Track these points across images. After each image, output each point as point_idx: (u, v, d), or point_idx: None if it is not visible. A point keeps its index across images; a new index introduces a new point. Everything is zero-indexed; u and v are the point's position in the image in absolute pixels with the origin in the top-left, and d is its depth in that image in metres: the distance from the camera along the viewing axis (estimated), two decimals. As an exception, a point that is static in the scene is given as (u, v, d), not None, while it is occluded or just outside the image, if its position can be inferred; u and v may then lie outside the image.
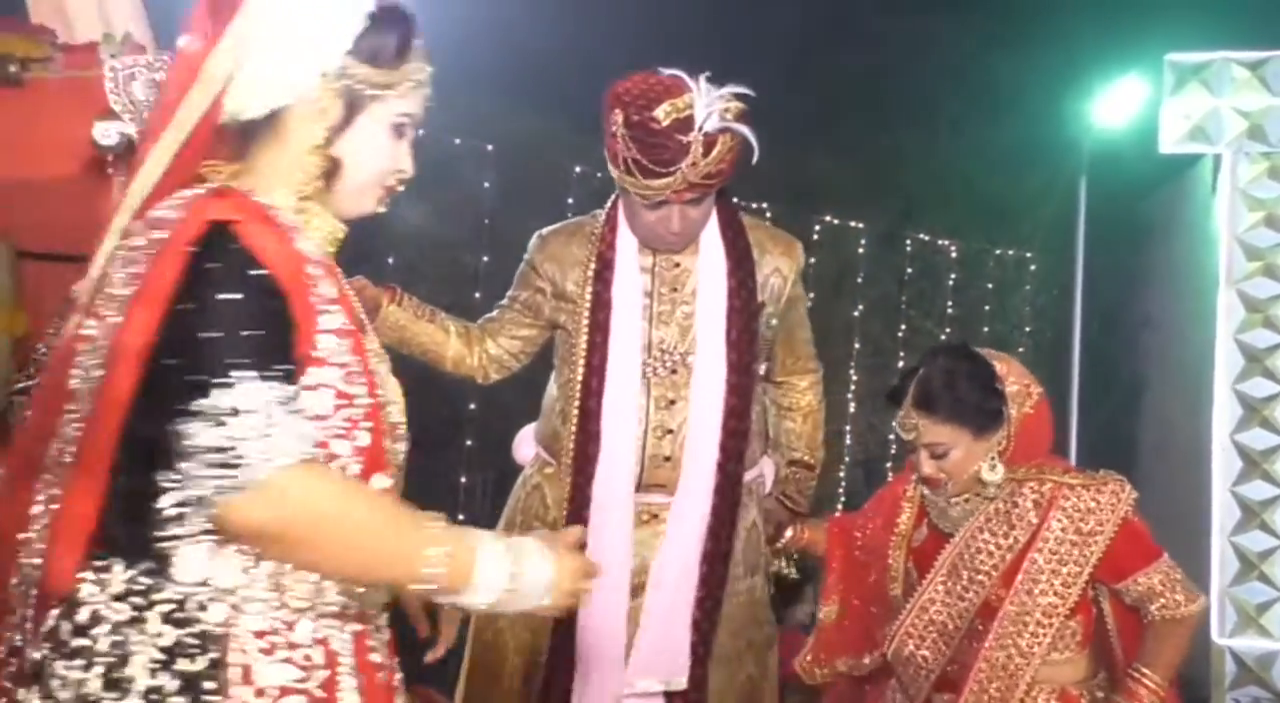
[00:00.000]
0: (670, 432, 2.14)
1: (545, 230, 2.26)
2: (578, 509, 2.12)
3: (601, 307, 2.13)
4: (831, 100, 5.74)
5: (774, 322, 2.23)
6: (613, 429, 2.12)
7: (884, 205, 5.71)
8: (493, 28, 4.53)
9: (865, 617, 2.26)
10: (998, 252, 6.21)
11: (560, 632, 2.12)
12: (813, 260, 5.40)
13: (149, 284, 1.07)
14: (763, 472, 2.36)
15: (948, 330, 6.08)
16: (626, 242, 2.15)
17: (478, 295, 4.11)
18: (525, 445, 2.35)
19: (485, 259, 4.31)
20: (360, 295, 1.64)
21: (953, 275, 6.05)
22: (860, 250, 5.58)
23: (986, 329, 6.20)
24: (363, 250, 3.15)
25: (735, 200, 2.19)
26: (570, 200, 4.43)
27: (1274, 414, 5.09)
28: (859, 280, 5.49)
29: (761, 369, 2.27)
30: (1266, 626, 5.00)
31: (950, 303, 6.09)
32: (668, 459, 2.14)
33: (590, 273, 2.14)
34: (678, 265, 2.16)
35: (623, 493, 2.13)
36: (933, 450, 2.05)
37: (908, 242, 5.84)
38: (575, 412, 2.13)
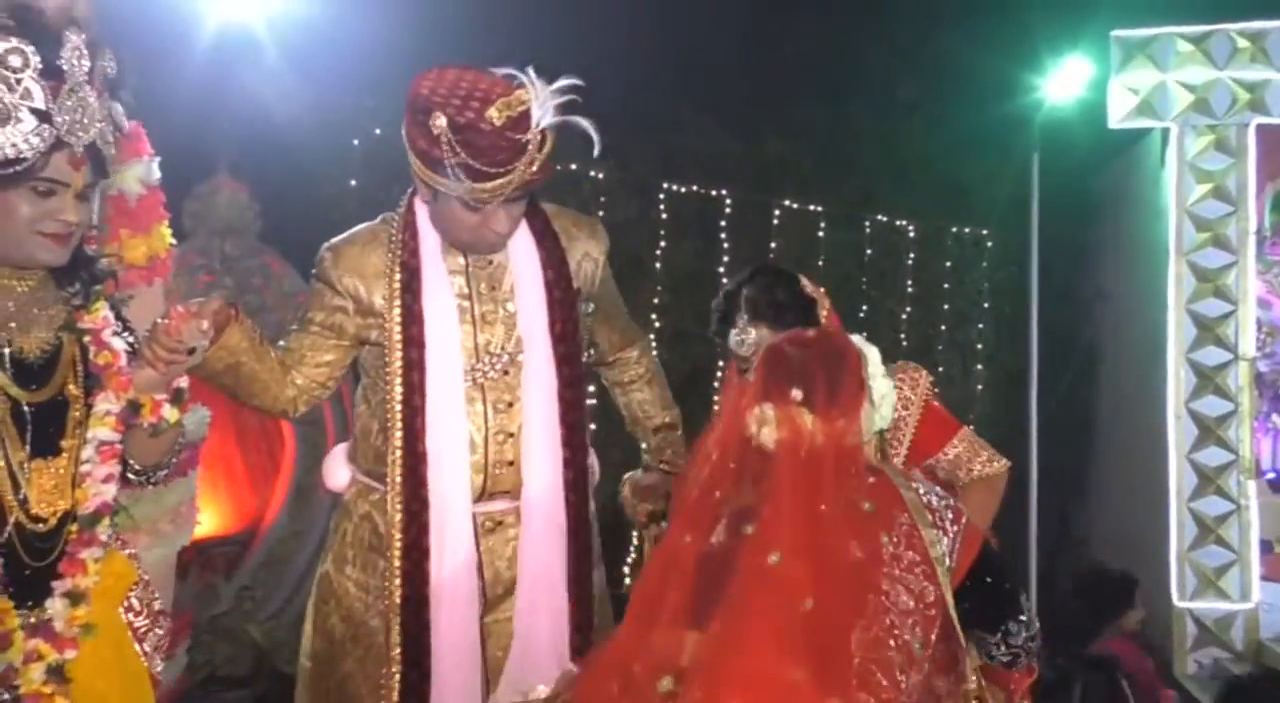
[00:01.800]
0: (511, 435, 2.07)
1: (334, 242, 2.13)
2: (413, 534, 2.02)
3: (414, 320, 2.02)
4: (785, 85, 5.77)
5: (590, 307, 2.21)
6: (441, 445, 2.02)
7: (843, 188, 5.75)
8: (450, 30, 4.51)
9: None
10: (955, 230, 6.29)
11: (408, 654, 2.01)
12: (774, 245, 5.44)
13: None
14: (593, 459, 2.31)
15: (908, 309, 6.16)
16: (430, 246, 2.05)
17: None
18: (338, 470, 2.22)
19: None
20: (202, 311, 1.64)
21: (911, 255, 6.12)
22: (820, 234, 5.63)
23: (946, 306, 6.29)
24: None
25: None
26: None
27: (1227, 381, 5.22)
28: (820, 263, 5.53)
29: (588, 356, 2.25)
30: (1224, 588, 5.13)
31: (910, 282, 6.16)
32: (510, 464, 2.07)
33: (396, 284, 2.02)
34: (491, 263, 2.08)
35: (460, 509, 2.04)
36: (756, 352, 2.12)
37: (867, 223, 5.89)
38: (399, 432, 2.02)
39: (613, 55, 5.27)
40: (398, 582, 2.00)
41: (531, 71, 1.87)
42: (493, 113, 1.82)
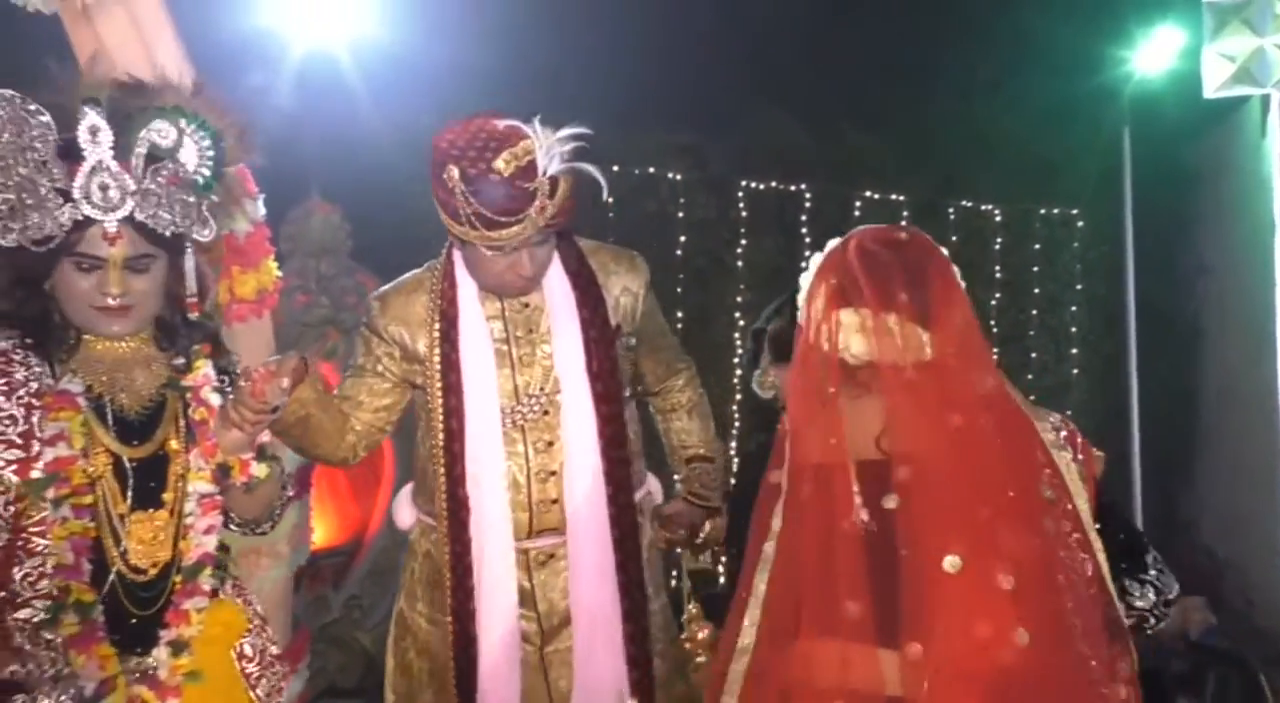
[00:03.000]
0: (553, 473, 2.10)
1: (382, 290, 2.21)
2: (459, 574, 2.09)
3: (451, 368, 2.07)
4: (859, 73, 5.69)
5: (632, 341, 2.21)
6: (481, 491, 2.07)
7: (923, 175, 5.66)
8: (520, 34, 4.57)
9: None
10: (1043, 211, 6.13)
11: (461, 689, 2.10)
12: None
13: None
14: (649, 488, 2.32)
15: (997, 295, 6.03)
16: (467, 293, 2.10)
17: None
18: (405, 510, 2.29)
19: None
20: (282, 370, 1.68)
21: (999, 240, 5.99)
22: (903, 223, 5.55)
23: (1037, 290, 6.14)
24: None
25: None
26: (610, 199, 4.47)
27: (1340, 356, 4.99)
28: (904, 253, 5.44)
29: (629, 390, 2.22)
30: (1342, 571, 4.92)
31: (998, 268, 6.03)
32: (555, 502, 2.10)
33: (436, 334, 2.09)
34: (527, 306, 2.12)
35: (500, 552, 2.08)
36: None
37: (950, 210, 5.79)
38: (442, 477, 2.09)
39: (686, 57, 5.28)
40: (449, 620, 2.09)
41: (537, 122, 1.91)
42: (499, 163, 1.87)
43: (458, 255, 2.12)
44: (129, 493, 1.69)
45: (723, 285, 5.13)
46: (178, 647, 1.68)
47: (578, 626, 2.10)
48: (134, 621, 1.68)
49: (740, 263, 5.11)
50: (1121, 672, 1.47)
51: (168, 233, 1.67)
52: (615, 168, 4.56)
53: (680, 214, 4.86)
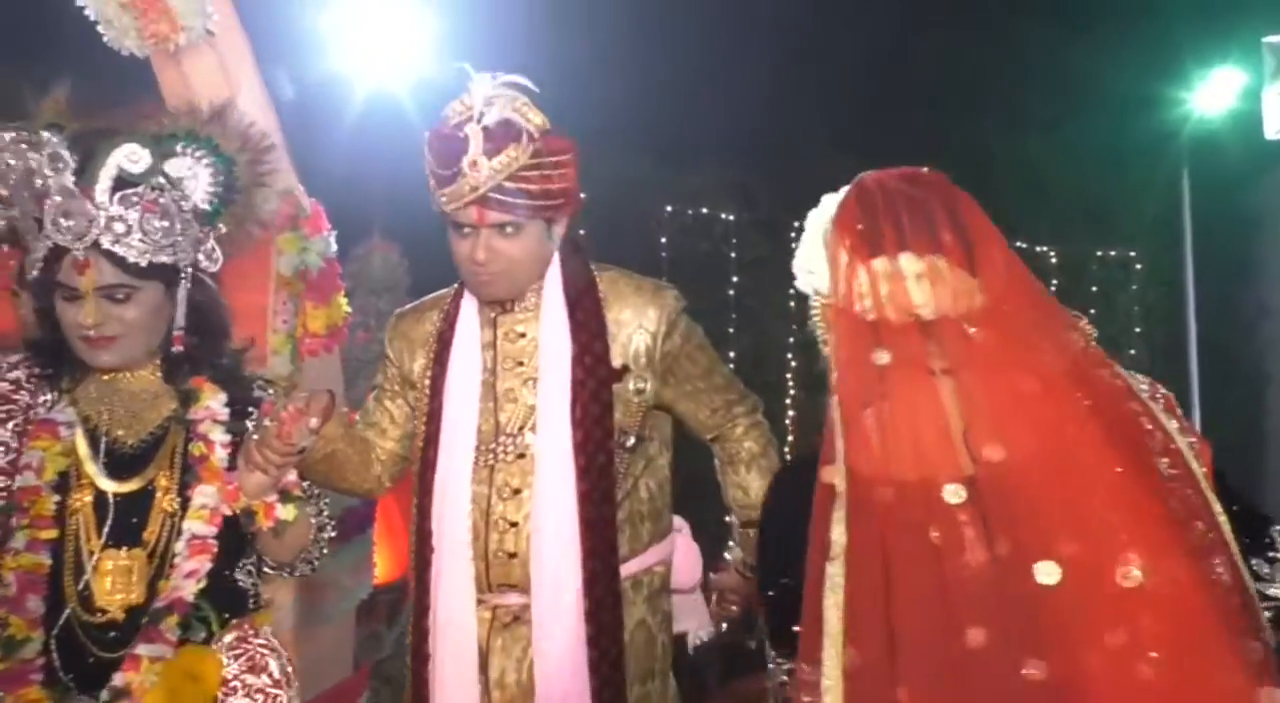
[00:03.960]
0: (514, 525, 1.87)
1: (402, 308, 2.06)
2: (419, 618, 1.92)
3: (436, 393, 1.91)
4: (914, 113, 5.71)
5: (642, 385, 1.90)
6: (444, 530, 1.88)
7: (978, 215, 5.63)
8: (572, 81, 4.65)
9: None
10: (1100, 253, 6.07)
11: None
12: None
13: None
14: (662, 559, 2.00)
15: (1054, 336, 5.95)
16: (468, 316, 1.92)
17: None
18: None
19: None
20: (312, 409, 1.56)
21: (1054, 282, 5.92)
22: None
23: (1095, 333, 6.04)
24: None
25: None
26: (664, 239, 4.50)
27: None
28: (957, 294, 5.42)
29: (631, 438, 1.95)
30: None
31: (1055, 309, 5.95)
32: (513, 556, 1.87)
33: (431, 355, 1.93)
34: (523, 336, 1.91)
35: (461, 597, 1.88)
36: None
37: (1006, 251, 5.75)
38: (414, 510, 1.94)
39: (738, 98, 5.34)
40: (409, 659, 1.94)
41: (489, 76, 1.74)
42: (448, 110, 1.73)
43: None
44: (105, 529, 1.59)
45: (775, 326, 5.12)
46: (117, 694, 1.54)
47: (539, 700, 1.87)
48: (91, 660, 1.57)
49: (792, 303, 5.09)
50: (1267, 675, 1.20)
51: (141, 262, 1.57)
52: (669, 208, 4.61)
53: (733, 254, 4.87)
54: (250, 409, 1.69)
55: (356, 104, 4.11)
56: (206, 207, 1.62)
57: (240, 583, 1.69)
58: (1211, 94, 5.38)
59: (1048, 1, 5.56)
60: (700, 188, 4.84)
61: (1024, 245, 5.86)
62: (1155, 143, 5.61)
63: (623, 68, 4.72)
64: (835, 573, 1.26)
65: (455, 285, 1.97)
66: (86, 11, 2.43)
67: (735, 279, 4.69)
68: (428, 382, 1.91)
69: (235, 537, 1.66)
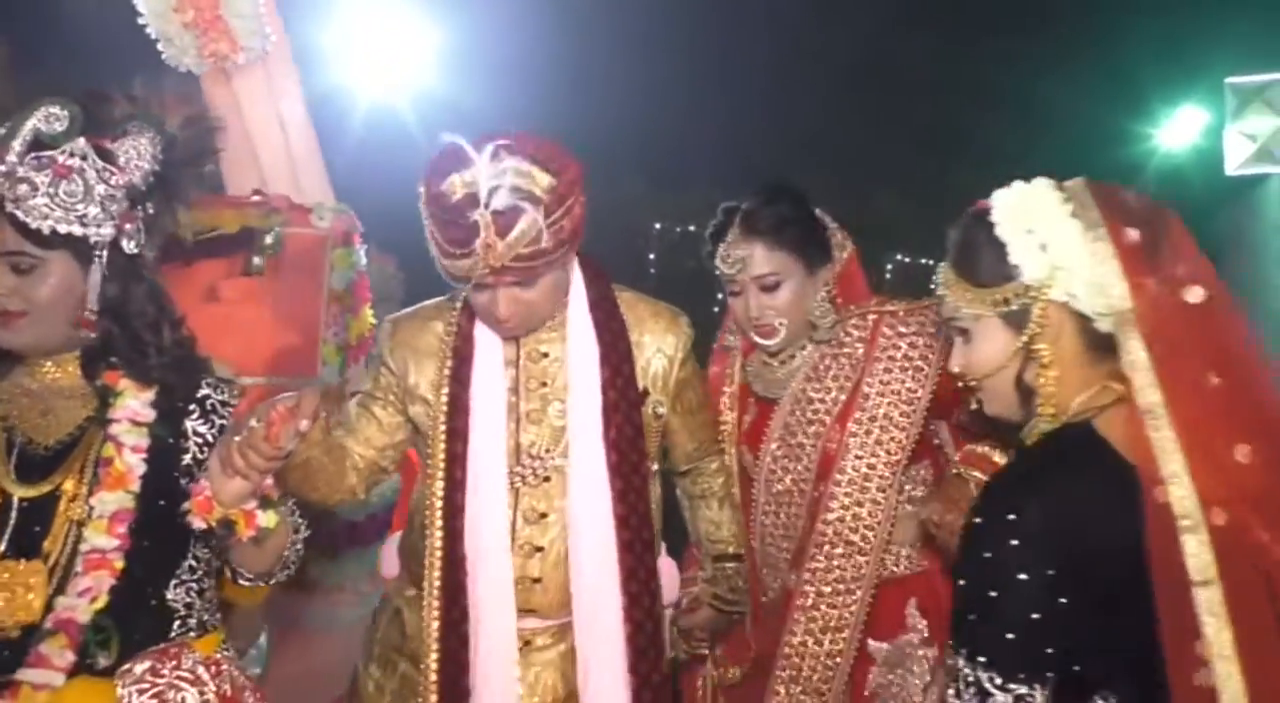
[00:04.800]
0: (540, 549, 1.83)
1: (397, 315, 1.99)
2: (452, 645, 1.84)
3: (460, 411, 1.83)
4: (892, 141, 5.90)
5: (661, 409, 1.91)
6: (482, 551, 1.83)
7: (946, 245, 5.85)
8: (568, 95, 4.78)
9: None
10: (1067, 280, 6.29)
11: None
12: (922, 300, 5.59)
13: None
14: (669, 573, 2.02)
15: (1021, 359, 6.16)
16: (485, 332, 1.86)
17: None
18: (390, 560, 2.06)
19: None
20: (301, 411, 1.44)
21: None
22: (932, 286, 5.70)
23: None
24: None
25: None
26: (651, 256, 4.63)
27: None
28: (931, 315, 5.63)
29: (655, 465, 1.96)
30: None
31: (1023, 332, 6.16)
32: (536, 581, 1.84)
33: (447, 371, 1.85)
34: (546, 356, 1.86)
35: (502, 622, 1.83)
36: (762, 282, 1.88)
37: (978, 275, 5.96)
38: (439, 532, 1.85)
39: (726, 120, 5.49)
40: (434, 698, 1.83)
41: (489, 151, 1.66)
42: (446, 186, 1.66)
43: None
44: (4, 538, 1.44)
45: (756, 342, 5.29)
46: None
47: None
48: None
49: (775, 320, 5.27)
50: None
51: (43, 228, 1.43)
52: (657, 225, 4.73)
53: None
54: (196, 408, 1.55)
55: (357, 117, 4.20)
56: (142, 186, 1.49)
57: (171, 602, 1.54)
58: (1176, 131, 5.62)
59: (1018, 38, 5.77)
60: (688, 206, 4.99)
61: (994, 271, 6.09)
62: (1122, 175, 5.80)
63: (617, 87, 4.86)
64: (1211, 599, 1.21)
65: (453, 295, 1.92)
66: (148, 30, 2.51)
67: (720, 297, 4.82)
68: (445, 398, 1.84)
69: (166, 549, 1.52)
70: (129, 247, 1.48)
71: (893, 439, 1.87)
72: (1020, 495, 1.22)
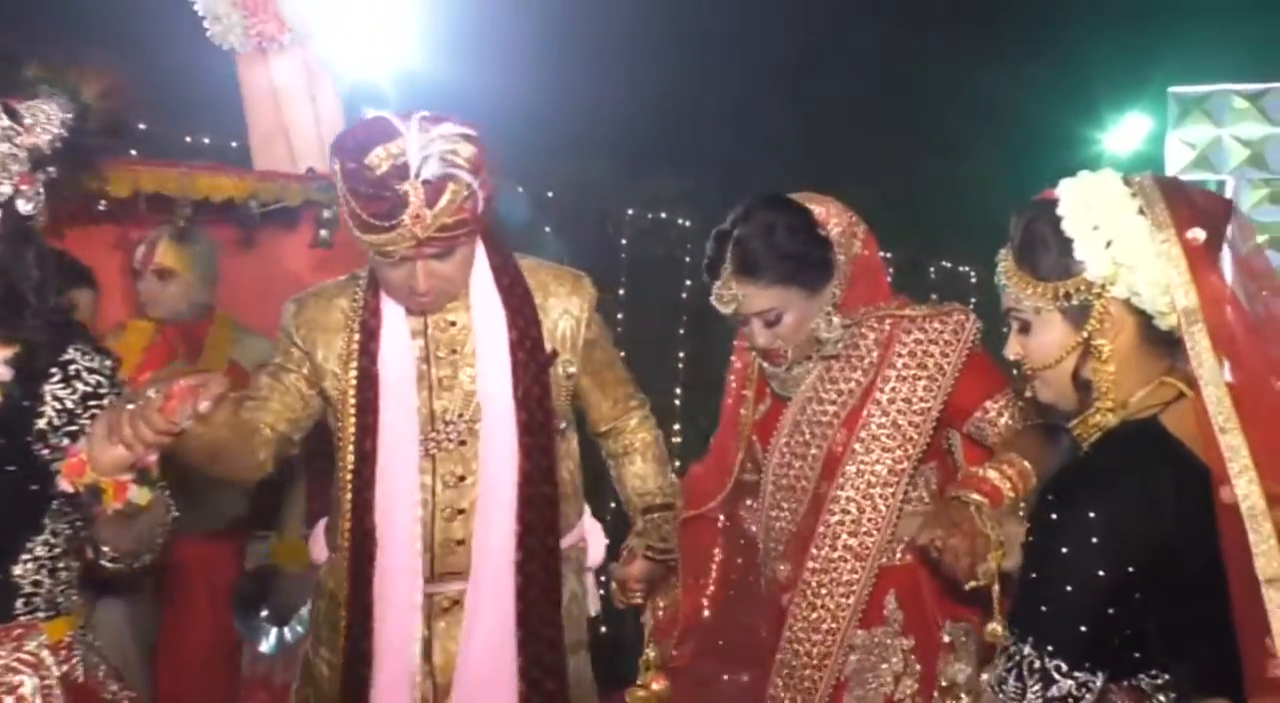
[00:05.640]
0: (461, 512, 1.85)
1: (300, 295, 1.97)
2: (359, 616, 1.84)
3: (369, 383, 1.84)
4: (854, 137, 6.09)
5: (571, 369, 1.94)
6: (391, 521, 1.83)
7: (907, 234, 6.04)
8: (549, 83, 4.88)
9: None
10: (1016, 275, 6.53)
11: None
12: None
13: None
14: (583, 537, 2.07)
15: (971, 350, 6.42)
16: (392, 305, 1.86)
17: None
18: (318, 545, 2.05)
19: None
20: (207, 391, 1.37)
21: (973, 299, 6.37)
22: (888, 278, 5.92)
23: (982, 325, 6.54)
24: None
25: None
26: (624, 241, 4.76)
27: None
28: (886, 306, 5.82)
29: (564, 423, 1.98)
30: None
31: (974, 324, 6.41)
32: (460, 543, 1.85)
33: (355, 345, 1.85)
34: (453, 324, 1.88)
35: (405, 590, 1.84)
36: (764, 318, 1.86)
37: (931, 269, 6.17)
38: (348, 505, 1.85)
39: (693, 106, 5.63)
40: (340, 663, 1.87)
41: (417, 119, 1.67)
42: (372, 159, 1.66)
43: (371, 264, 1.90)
44: None
45: (722, 328, 5.43)
46: None
47: (459, 685, 1.84)
48: None
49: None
50: None
51: None
52: (630, 211, 4.86)
53: (687, 259, 5.16)
54: (58, 372, 1.46)
55: (341, 95, 4.26)
56: (47, 150, 1.44)
57: (17, 579, 1.43)
58: (1122, 136, 5.89)
59: (984, 50, 5.99)
60: (662, 194, 5.12)
61: (947, 264, 6.30)
62: (1069, 175, 6.09)
63: (595, 76, 4.97)
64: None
65: (355, 274, 1.91)
66: (195, 6, 2.55)
67: (689, 283, 4.97)
68: (354, 372, 1.84)
69: (14, 519, 1.43)
70: (25, 208, 1.43)
71: (900, 447, 1.85)
72: (1100, 492, 1.22)
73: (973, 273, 6.41)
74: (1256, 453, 1.21)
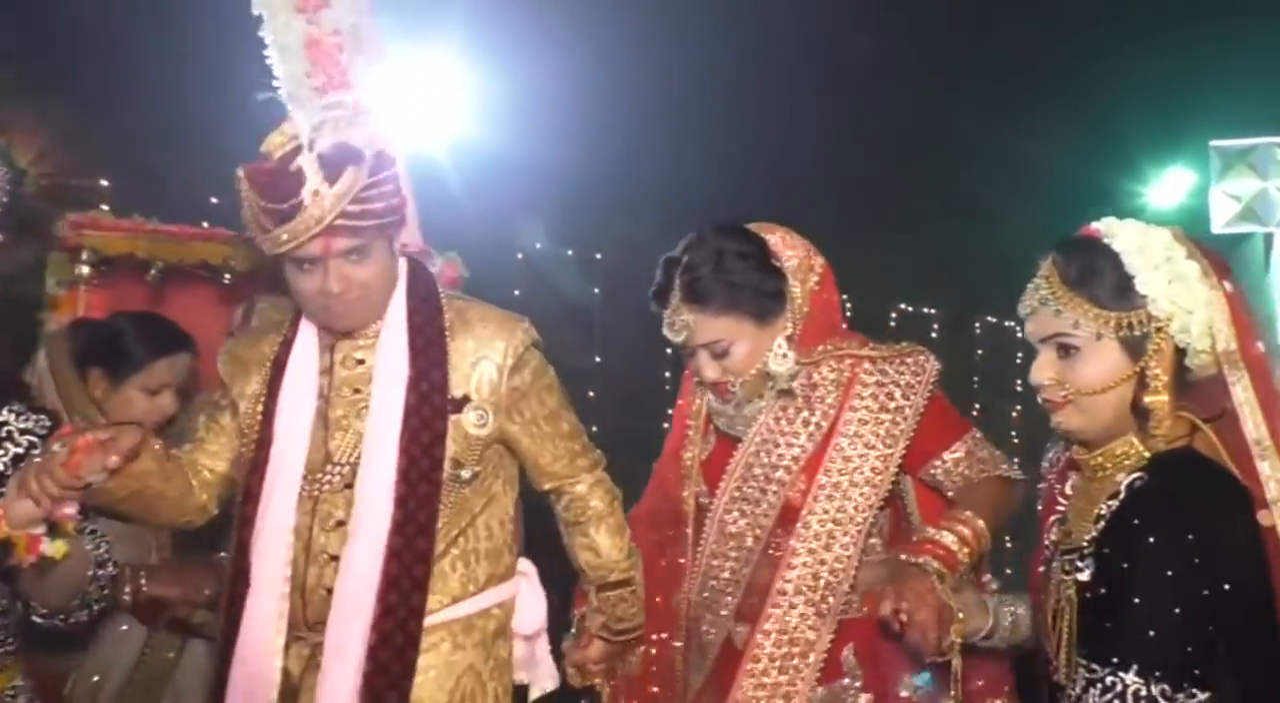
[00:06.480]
0: (335, 558, 1.74)
1: (240, 334, 1.99)
2: (223, 659, 1.75)
3: (267, 419, 1.79)
4: (891, 197, 6.19)
5: (486, 417, 1.79)
6: (263, 564, 1.74)
7: (952, 291, 6.09)
8: (595, 147, 5.04)
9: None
10: (1061, 331, 6.52)
11: None
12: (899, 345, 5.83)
13: None
14: (501, 602, 1.86)
15: (1018, 407, 6.39)
16: (306, 341, 1.82)
17: (591, 394, 4.51)
18: None
19: (597, 360, 4.75)
20: (114, 446, 1.40)
21: (1019, 355, 6.37)
22: (933, 335, 5.96)
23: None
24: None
25: None
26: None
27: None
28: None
29: (467, 471, 1.81)
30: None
31: (1019, 381, 6.40)
32: (331, 591, 1.74)
33: (266, 380, 1.82)
34: (361, 362, 1.80)
35: (264, 635, 1.73)
36: (712, 350, 1.79)
37: (976, 325, 6.20)
38: (233, 545, 1.80)
39: (735, 172, 5.77)
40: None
41: (304, 94, 1.67)
42: (267, 147, 1.65)
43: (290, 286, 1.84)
44: None
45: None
46: None
47: None
48: None
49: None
50: None
51: None
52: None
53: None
54: (4, 436, 1.47)
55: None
56: None
57: None
58: (1165, 190, 5.93)
59: (1022, 109, 6.08)
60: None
61: (993, 320, 6.33)
62: (1113, 234, 6.10)
63: (640, 140, 5.12)
64: None
65: (293, 313, 1.87)
66: (280, 92, 2.74)
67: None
68: (260, 408, 1.80)
69: None
70: None
71: (862, 495, 1.77)
72: (1192, 514, 1.29)
73: (1018, 329, 6.42)
74: None
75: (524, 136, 4.66)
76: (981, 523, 1.68)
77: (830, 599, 1.77)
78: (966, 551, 1.65)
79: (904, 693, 1.83)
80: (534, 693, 1.97)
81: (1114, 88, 5.70)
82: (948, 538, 1.64)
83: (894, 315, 5.84)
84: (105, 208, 2.77)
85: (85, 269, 2.64)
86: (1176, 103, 5.95)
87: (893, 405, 1.79)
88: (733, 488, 1.84)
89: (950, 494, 1.82)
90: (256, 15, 2.79)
